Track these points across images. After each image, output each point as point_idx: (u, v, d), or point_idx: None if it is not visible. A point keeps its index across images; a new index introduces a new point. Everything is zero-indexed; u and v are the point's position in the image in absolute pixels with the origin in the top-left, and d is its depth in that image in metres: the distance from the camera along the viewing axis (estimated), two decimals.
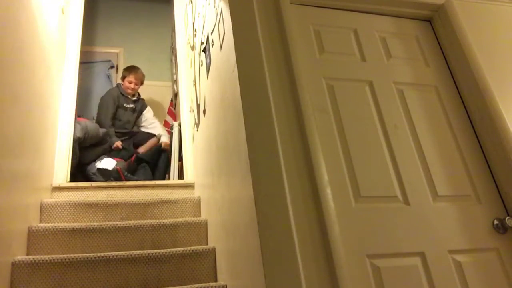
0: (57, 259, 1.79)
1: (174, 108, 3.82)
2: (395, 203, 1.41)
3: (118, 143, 3.36)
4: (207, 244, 2.17)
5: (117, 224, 2.10)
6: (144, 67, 3.84)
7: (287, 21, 1.55)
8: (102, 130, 3.23)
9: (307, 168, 1.31)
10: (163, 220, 2.18)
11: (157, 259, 1.89)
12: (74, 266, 1.79)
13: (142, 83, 3.75)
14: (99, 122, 3.42)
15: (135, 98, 3.66)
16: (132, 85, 3.64)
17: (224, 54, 1.65)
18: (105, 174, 2.98)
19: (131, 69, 3.71)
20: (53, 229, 2.02)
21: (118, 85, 3.72)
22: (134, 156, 3.34)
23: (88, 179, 3.00)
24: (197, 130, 2.62)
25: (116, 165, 3.04)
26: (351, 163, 1.41)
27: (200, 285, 1.76)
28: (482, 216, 1.47)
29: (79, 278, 1.79)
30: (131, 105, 3.62)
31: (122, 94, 3.63)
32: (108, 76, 4.42)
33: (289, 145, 1.33)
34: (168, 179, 3.30)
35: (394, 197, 1.41)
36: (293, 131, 1.36)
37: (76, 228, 2.05)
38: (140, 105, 3.71)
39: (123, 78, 3.69)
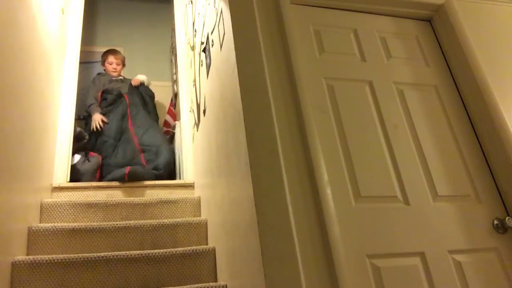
0: (57, 259, 1.79)
1: (174, 108, 3.82)
2: (395, 203, 1.41)
3: (97, 117, 3.21)
4: (207, 244, 2.17)
5: (117, 224, 2.10)
6: (144, 67, 3.85)
7: (287, 21, 1.55)
8: (77, 129, 3.14)
9: (307, 168, 1.31)
10: (163, 220, 2.18)
11: (157, 259, 1.89)
12: (74, 266, 1.79)
13: (124, 65, 3.70)
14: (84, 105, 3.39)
15: (120, 77, 3.61)
16: (113, 65, 3.58)
17: (224, 54, 1.65)
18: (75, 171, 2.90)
19: (108, 51, 3.67)
20: (53, 229, 2.02)
21: (99, 73, 3.64)
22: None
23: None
24: (197, 130, 2.62)
25: (93, 161, 2.98)
26: (351, 163, 1.41)
27: (200, 285, 1.76)
28: (482, 216, 1.47)
29: (79, 278, 1.79)
30: (120, 78, 3.57)
31: (104, 75, 3.58)
32: None
33: (289, 145, 1.33)
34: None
35: (394, 197, 1.41)
36: (293, 131, 1.36)
37: (76, 228, 2.05)
38: (129, 81, 3.61)
39: (103, 62, 3.65)
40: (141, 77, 3.57)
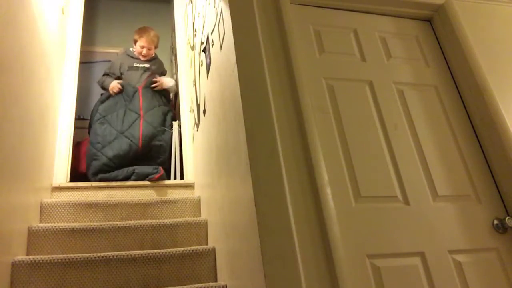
0: (57, 259, 1.79)
1: (174, 108, 3.82)
2: (395, 203, 1.41)
3: (114, 84, 3.08)
4: (207, 244, 2.17)
5: (117, 224, 2.10)
6: None
7: (287, 21, 1.55)
8: None
9: (307, 168, 1.31)
10: (163, 220, 2.18)
11: (157, 259, 1.89)
12: (74, 266, 1.79)
13: (156, 46, 3.38)
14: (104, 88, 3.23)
15: (145, 64, 3.28)
16: (144, 50, 3.26)
17: (224, 54, 1.65)
18: None
19: (142, 31, 3.31)
20: (53, 229, 2.02)
21: (126, 50, 3.43)
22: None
23: None
24: (197, 130, 2.62)
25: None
26: (351, 163, 1.41)
27: (200, 285, 1.76)
28: (482, 216, 1.47)
29: (79, 278, 1.79)
30: (144, 65, 3.26)
31: (130, 56, 3.31)
32: None
33: (289, 145, 1.33)
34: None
35: (394, 197, 1.41)
36: (293, 131, 1.36)
37: (76, 228, 2.05)
38: (157, 65, 3.33)
39: (135, 42, 3.35)
40: (168, 82, 3.27)
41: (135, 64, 3.27)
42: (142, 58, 3.33)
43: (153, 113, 3.07)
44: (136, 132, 2.93)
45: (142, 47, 3.29)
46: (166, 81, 3.29)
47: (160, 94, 3.26)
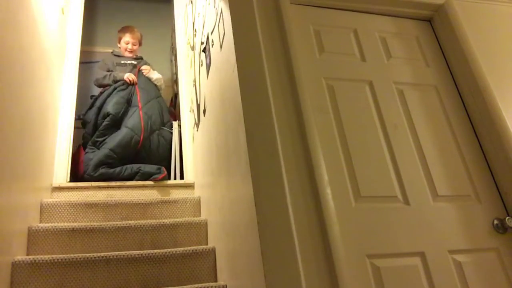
0: (57, 259, 1.79)
1: (174, 108, 3.82)
2: (395, 203, 1.41)
3: (128, 74, 3.08)
4: (207, 244, 2.17)
5: (117, 224, 2.10)
6: None
7: (287, 21, 1.55)
8: None
9: (307, 168, 1.31)
10: (163, 220, 2.18)
11: (157, 259, 1.89)
12: (74, 266, 1.79)
13: (140, 44, 3.45)
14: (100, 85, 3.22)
15: (132, 61, 3.31)
16: (129, 46, 3.33)
17: (224, 54, 1.65)
18: None
19: (125, 29, 3.39)
20: (53, 229, 2.02)
21: (112, 51, 3.44)
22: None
23: None
24: (197, 130, 2.62)
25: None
26: (351, 163, 1.42)
27: (200, 285, 1.76)
28: (482, 216, 1.47)
29: (79, 278, 1.79)
30: (132, 61, 3.29)
31: (117, 55, 3.34)
32: None
33: (289, 145, 1.33)
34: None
35: (394, 197, 1.41)
36: (293, 131, 1.36)
37: (76, 228, 2.05)
38: (143, 63, 3.37)
39: (119, 40, 3.40)
40: (154, 73, 3.33)
41: (122, 61, 3.32)
42: (128, 55, 3.37)
43: (151, 105, 3.11)
44: (136, 123, 2.95)
45: (127, 43, 3.37)
46: (153, 72, 3.34)
47: (153, 84, 3.30)
